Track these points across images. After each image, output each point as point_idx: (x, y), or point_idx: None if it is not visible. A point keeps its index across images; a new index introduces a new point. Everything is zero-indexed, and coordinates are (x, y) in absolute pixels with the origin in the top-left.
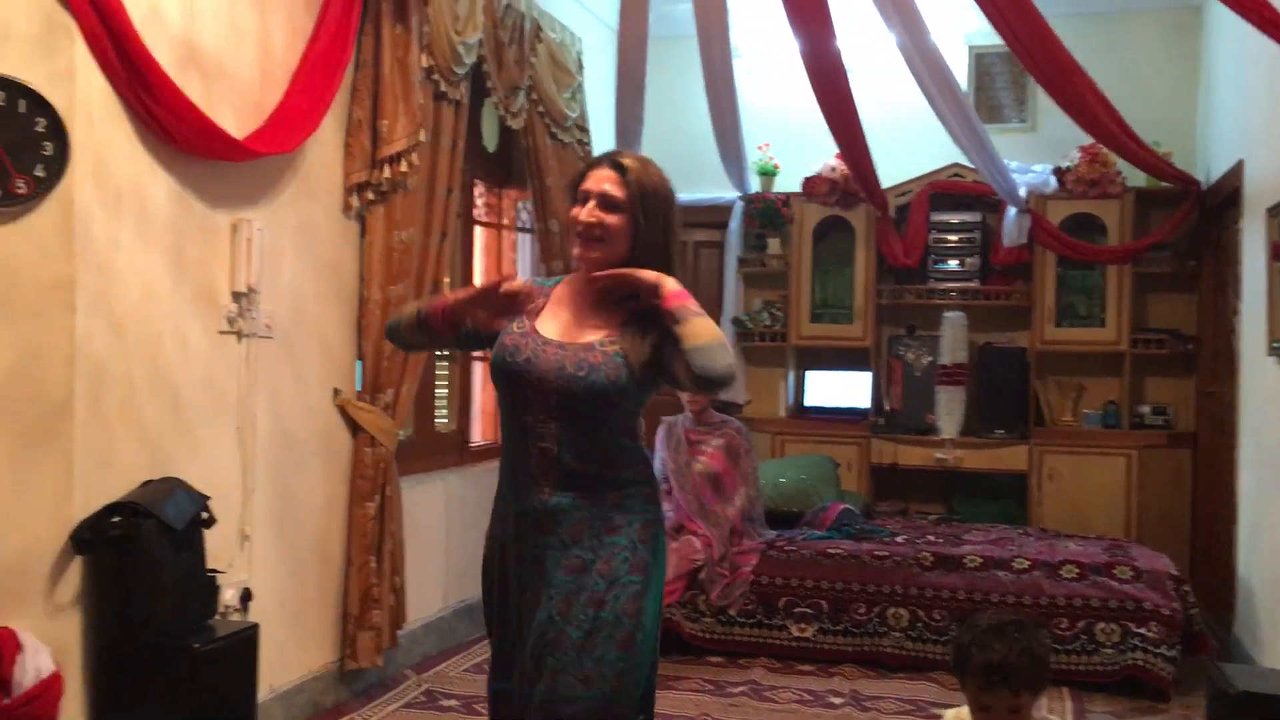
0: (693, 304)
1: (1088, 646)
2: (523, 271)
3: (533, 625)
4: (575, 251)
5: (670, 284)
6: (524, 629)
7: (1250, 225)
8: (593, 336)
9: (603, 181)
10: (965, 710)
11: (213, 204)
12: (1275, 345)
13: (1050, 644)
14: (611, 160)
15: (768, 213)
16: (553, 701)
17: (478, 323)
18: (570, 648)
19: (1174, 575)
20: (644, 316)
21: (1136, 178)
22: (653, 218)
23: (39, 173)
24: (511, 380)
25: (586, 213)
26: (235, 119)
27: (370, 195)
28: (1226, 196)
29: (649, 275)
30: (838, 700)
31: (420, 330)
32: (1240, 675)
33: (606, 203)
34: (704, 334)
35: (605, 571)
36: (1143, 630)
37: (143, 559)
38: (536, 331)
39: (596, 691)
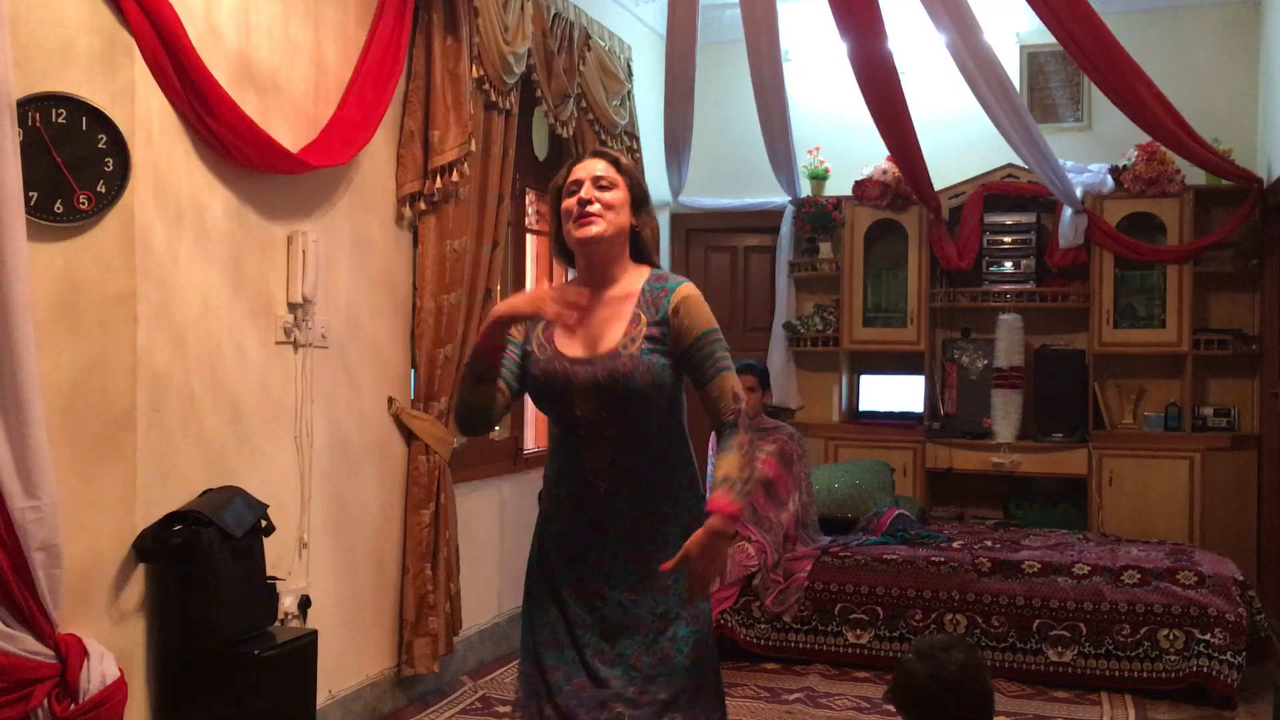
0: (733, 498)
1: (1150, 653)
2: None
3: (599, 611)
4: (575, 233)
5: (711, 544)
6: (582, 612)
7: None
8: (612, 341)
9: (593, 168)
10: None
11: (269, 217)
12: None
13: (946, 673)
14: (595, 152)
15: (819, 216)
16: (639, 680)
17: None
18: (648, 631)
19: (1239, 580)
20: (658, 316)
21: (1196, 176)
22: (643, 195)
23: (100, 188)
24: (555, 405)
25: (584, 191)
26: (290, 132)
27: (423, 205)
28: None
29: (696, 553)
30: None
31: (481, 384)
32: None
33: (600, 184)
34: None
35: (664, 560)
36: (1207, 636)
37: (204, 567)
38: (560, 354)
39: (676, 666)
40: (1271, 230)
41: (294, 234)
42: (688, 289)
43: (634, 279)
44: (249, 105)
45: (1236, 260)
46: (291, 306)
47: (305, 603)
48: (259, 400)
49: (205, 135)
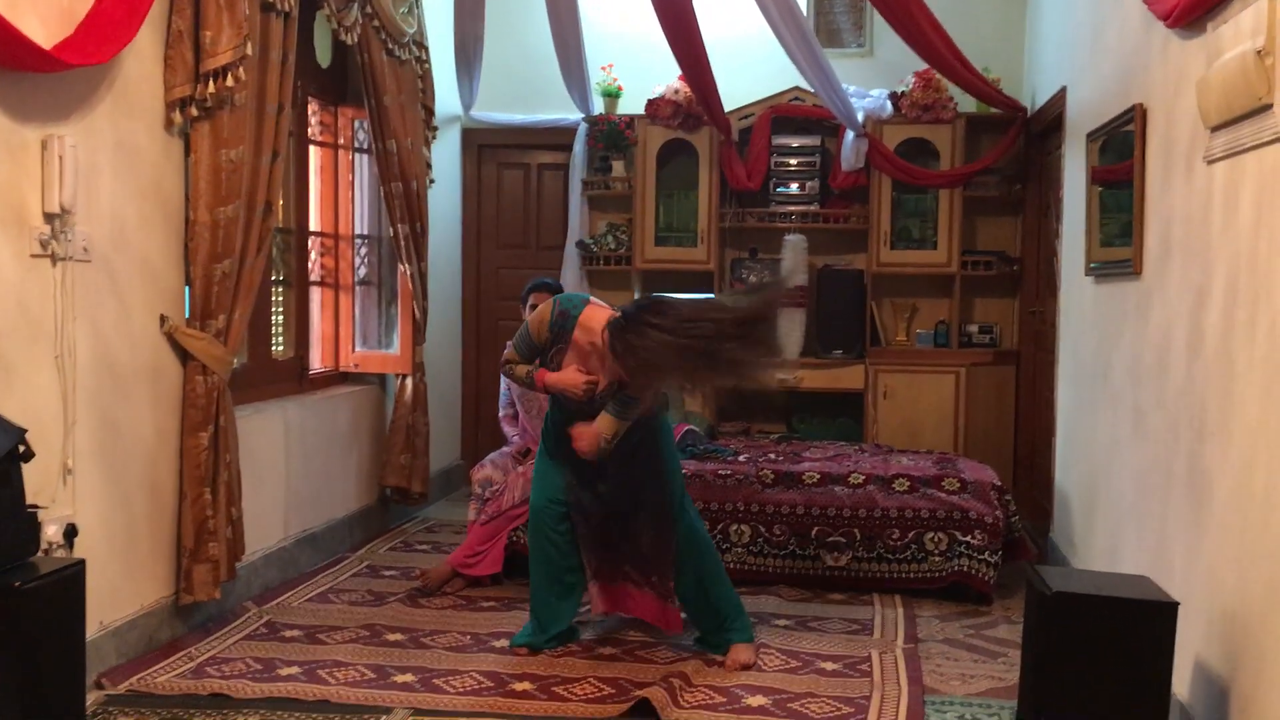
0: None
1: (917, 555)
2: (360, 191)
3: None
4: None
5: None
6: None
7: (1071, 150)
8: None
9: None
10: None
11: (19, 119)
12: (1093, 266)
13: None
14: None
15: (611, 135)
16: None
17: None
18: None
19: (997, 485)
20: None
21: (967, 103)
22: None
23: None
24: None
25: None
26: (42, 27)
27: (194, 111)
28: (1050, 122)
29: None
30: (681, 615)
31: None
32: (1055, 577)
33: None
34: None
35: None
36: (968, 538)
37: None
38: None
39: None
40: (1034, 157)
41: (49, 138)
42: None
43: None
44: None
45: (1001, 185)
46: (48, 217)
47: (71, 531)
48: (13, 318)
49: None
